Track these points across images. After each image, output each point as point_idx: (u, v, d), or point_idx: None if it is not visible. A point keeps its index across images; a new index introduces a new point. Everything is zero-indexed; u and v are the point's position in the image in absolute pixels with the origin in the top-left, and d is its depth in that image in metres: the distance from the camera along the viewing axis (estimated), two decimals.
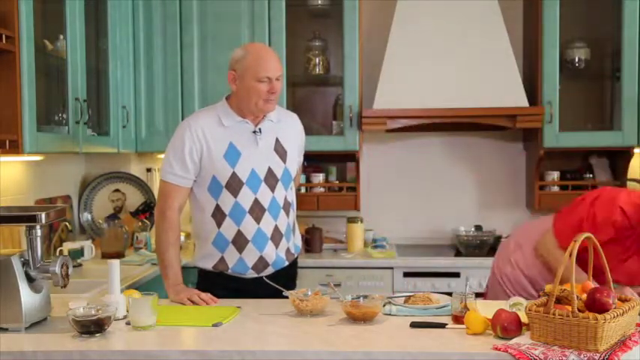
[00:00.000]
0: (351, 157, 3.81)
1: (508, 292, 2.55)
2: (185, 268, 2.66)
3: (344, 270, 3.56)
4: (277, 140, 2.54)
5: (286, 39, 3.65)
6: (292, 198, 2.62)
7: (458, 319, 1.99)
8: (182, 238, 3.26)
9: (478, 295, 2.28)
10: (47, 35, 2.84)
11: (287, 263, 2.59)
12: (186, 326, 2.06)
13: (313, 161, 3.92)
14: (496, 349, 1.76)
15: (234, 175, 2.44)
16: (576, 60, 3.72)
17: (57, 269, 2.05)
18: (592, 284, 1.93)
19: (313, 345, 1.85)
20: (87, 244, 3.38)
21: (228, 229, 2.46)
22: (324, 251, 3.86)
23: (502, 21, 3.61)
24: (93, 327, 1.91)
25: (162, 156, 2.78)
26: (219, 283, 2.50)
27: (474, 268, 3.47)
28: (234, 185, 2.44)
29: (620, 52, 3.55)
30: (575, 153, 3.88)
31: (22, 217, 2.11)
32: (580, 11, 3.79)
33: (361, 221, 3.83)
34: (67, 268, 2.09)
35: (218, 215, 2.47)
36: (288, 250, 2.58)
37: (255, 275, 2.51)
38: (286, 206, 2.55)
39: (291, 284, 2.58)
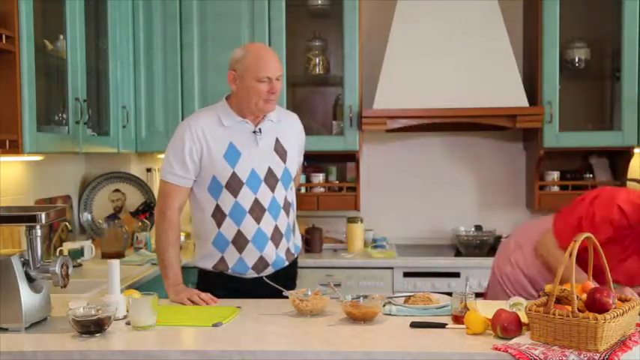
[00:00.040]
0: (351, 157, 3.81)
1: (508, 292, 2.55)
2: (185, 268, 2.66)
3: (344, 270, 3.56)
4: (277, 140, 2.54)
5: (286, 39, 3.65)
6: (292, 198, 2.62)
7: (458, 319, 1.99)
8: (182, 238, 3.26)
9: (478, 295, 2.28)
10: (47, 35, 2.84)
11: (287, 263, 2.59)
12: (186, 326, 2.06)
13: (313, 161, 3.92)
14: (496, 349, 1.76)
15: (234, 175, 2.44)
16: (576, 60, 3.72)
17: (57, 269, 2.05)
18: (592, 284, 1.93)
19: (313, 345, 1.85)
20: (87, 244, 3.38)
21: (228, 229, 2.46)
22: (324, 251, 3.86)
23: (502, 21, 3.61)
24: (93, 327, 1.91)
25: (162, 156, 2.78)
26: (219, 283, 2.50)
27: (474, 268, 3.47)
28: (234, 185, 2.44)
29: (620, 52, 3.55)
30: (575, 153, 3.88)
31: (22, 217, 2.11)
32: (580, 11, 3.79)
33: (361, 221, 3.83)
34: (67, 268, 2.09)
35: (218, 215, 2.47)
36: (288, 250, 2.58)
37: (255, 275, 2.51)
38: (286, 206, 2.55)
39: (291, 284, 2.58)
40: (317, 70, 3.89)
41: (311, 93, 4.11)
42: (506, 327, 1.84)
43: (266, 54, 2.44)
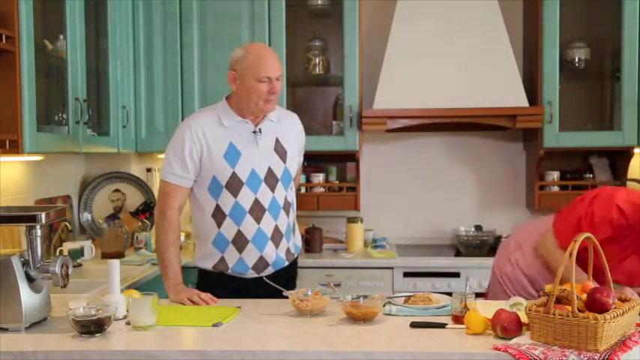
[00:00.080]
0: (351, 157, 3.81)
1: (508, 291, 2.55)
2: (185, 268, 2.66)
3: (344, 270, 3.56)
4: (277, 140, 2.54)
5: (286, 39, 3.65)
6: (292, 198, 2.62)
7: (458, 319, 1.99)
8: (182, 238, 3.26)
9: (478, 295, 2.28)
10: (47, 35, 2.84)
11: (287, 263, 2.59)
12: (186, 326, 2.06)
13: (313, 161, 3.92)
14: (496, 349, 1.76)
15: (234, 175, 2.44)
16: (576, 60, 3.72)
17: (57, 269, 2.05)
18: (592, 284, 1.93)
19: (313, 345, 1.85)
20: (87, 244, 3.38)
21: (228, 229, 2.46)
22: (324, 251, 3.86)
23: (502, 21, 3.61)
24: (93, 327, 1.91)
25: (162, 156, 2.78)
26: (219, 283, 2.50)
27: (474, 268, 3.47)
28: (234, 185, 2.44)
29: (620, 52, 3.55)
30: (575, 153, 3.88)
31: (22, 217, 2.11)
32: (580, 11, 3.79)
33: (361, 221, 3.83)
34: (67, 268, 2.09)
35: (218, 215, 2.47)
36: (288, 250, 2.58)
37: (255, 275, 2.51)
38: (286, 206, 2.55)
39: (291, 284, 2.58)
40: (317, 70, 3.89)
41: (311, 93, 4.11)
42: (506, 327, 1.84)
43: (266, 54, 2.44)
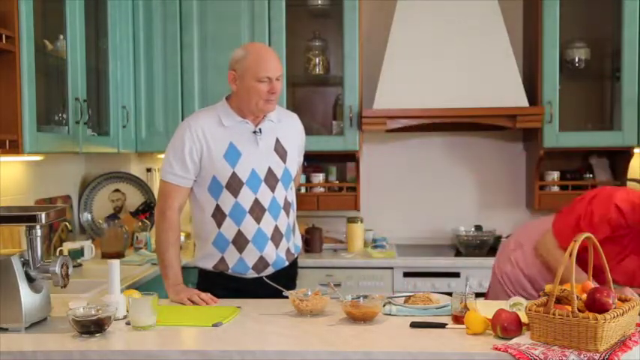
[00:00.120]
0: (351, 157, 3.81)
1: (508, 291, 2.55)
2: (185, 268, 2.66)
3: (344, 270, 3.56)
4: (277, 140, 2.54)
5: (286, 39, 3.65)
6: (292, 198, 2.62)
7: (458, 319, 1.99)
8: (182, 238, 3.26)
9: (478, 295, 2.28)
10: (47, 35, 2.84)
11: (287, 263, 2.59)
12: (186, 326, 2.06)
13: (313, 161, 3.92)
14: (496, 349, 1.76)
15: (234, 175, 2.44)
16: (576, 60, 3.72)
17: (57, 269, 2.05)
18: (592, 284, 1.93)
19: (313, 345, 1.85)
20: (87, 244, 3.38)
21: (229, 229, 2.46)
22: (324, 251, 3.86)
23: (502, 21, 3.61)
24: (93, 327, 1.91)
25: (162, 156, 2.78)
26: (219, 283, 2.50)
27: (474, 268, 3.47)
28: (234, 185, 2.44)
29: (620, 52, 3.55)
30: (575, 153, 3.88)
31: (22, 217, 2.11)
32: (580, 11, 3.79)
33: (361, 221, 3.83)
34: (67, 268, 2.09)
35: (218, 215, 2.47)
36: (288, 250, 2.58)
37: (256, 275, 2.51)
38: (286, 206, 2.55)
39: (291, 284, 2.58)
40: (317, 70, 3.89)
41: (311, 93, 4.11)
42: (506, 327, 1.84)
43: (266, 54, 2.44)
